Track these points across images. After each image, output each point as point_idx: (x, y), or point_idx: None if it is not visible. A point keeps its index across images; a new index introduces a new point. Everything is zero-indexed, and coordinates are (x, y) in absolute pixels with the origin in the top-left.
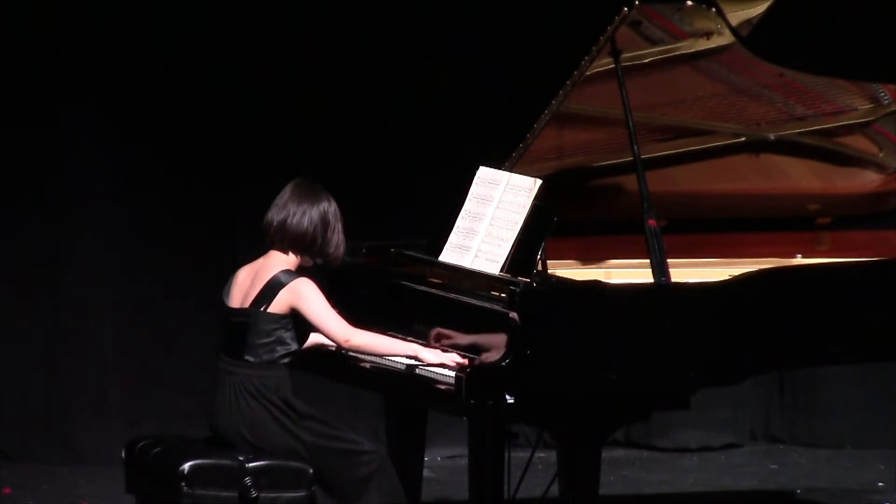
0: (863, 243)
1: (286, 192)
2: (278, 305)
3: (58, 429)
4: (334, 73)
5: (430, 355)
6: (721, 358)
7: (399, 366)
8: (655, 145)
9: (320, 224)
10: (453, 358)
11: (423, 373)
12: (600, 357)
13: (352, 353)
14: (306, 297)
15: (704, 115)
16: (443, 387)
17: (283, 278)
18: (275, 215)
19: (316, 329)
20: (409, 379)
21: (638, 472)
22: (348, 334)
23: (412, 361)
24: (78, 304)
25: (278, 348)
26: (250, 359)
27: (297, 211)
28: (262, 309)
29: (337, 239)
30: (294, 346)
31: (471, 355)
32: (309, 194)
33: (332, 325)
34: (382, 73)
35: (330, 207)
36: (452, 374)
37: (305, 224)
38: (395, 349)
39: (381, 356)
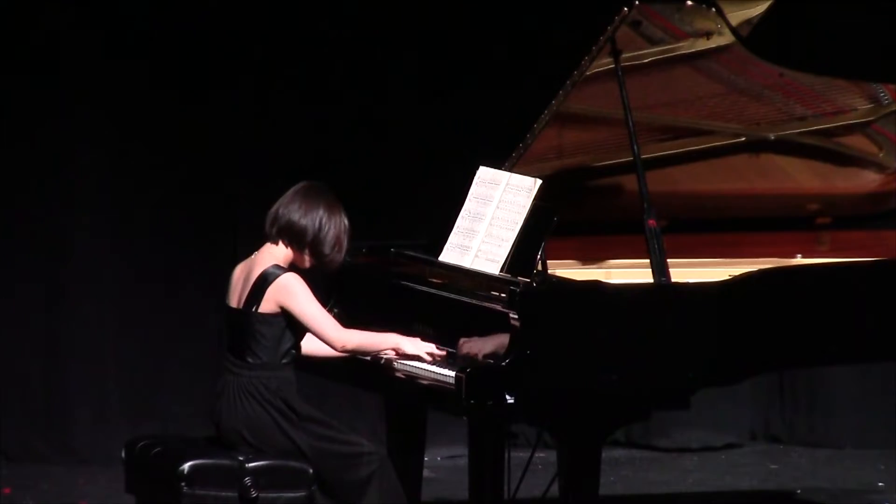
0: (863, 243)
1: (298, 186)
2: (268, 304)
3: (58, 429)
4: (335, 73)
5: (410, 346)
6: (721, 358)
7: (405, 369)
8: (655, 145)
9: (317, 221)
10: (431, 350)
11: (423, 373)
12: (600, 357)
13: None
14: (294, 293)
15: (704, 115)
16: (443, 386)
17: (270, 275)
18: (277, 204)
19: (307, 329)
20: (410, 380)
21: (638, 472)
22: (343, 339)
23: (394, 356)
24: (78, 304)
25: (278, 348)
26: (251, 360)
27: (300, 204)
28: (253, 309)
29: (333, 242)
30: (293, 346)
31: (449, 349)
32: (320, 195)
33: (326, 329)
34: (383, 72)
35: (333, 214)
36: (452, 373)
37: (303, 216)
38: (380, 344)
39: (371, 353)
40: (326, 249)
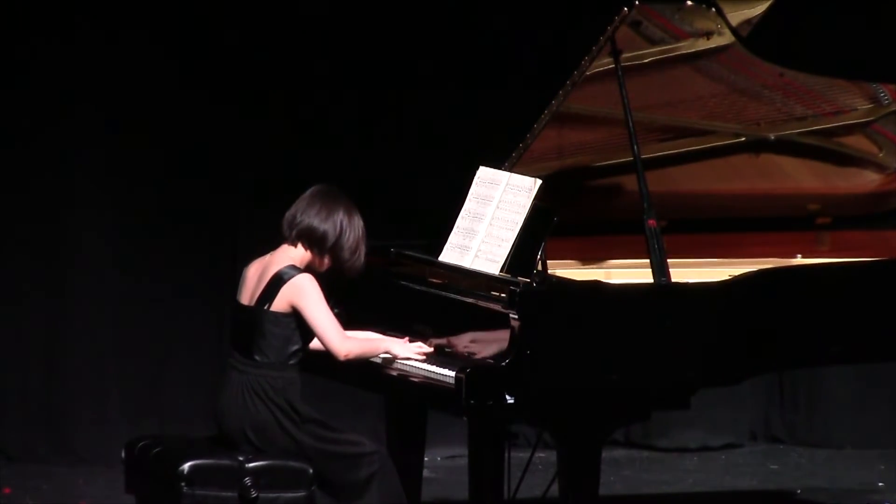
0: (863, 243)
1: (314, 190)
2: (280, 303)
3: (58, 429)
4: (335, 73)
5: (400, 349)
6: (721, 358)
7: (405, 369)
8: (655, 145)
9: (338, 226)
10: (419, 349)
11: (423, 374)
12: (600, 357)
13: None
14: (307, 294)
15: (704, 115)
16: (443, 387)
17: (285, 275)
18: (295, 207)
19: (313, 333)
20: (410, 380)
21: (638, 472)
22: (347, 349)
23: (388, 356)
24: (78, 304)
25: (286, 348)
26: (259, 358)
27: (320, 209)
28: (265, 307)
29: (354, 247)
30: (301, 348)
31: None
32: (339, 200)
33: (331, 337)
34: (383, 72)
35: (352, 219)
36: (452, 373)
37: (323, 221)
38: (374, 350)
39: (369, 358)
40: (346, 255)
